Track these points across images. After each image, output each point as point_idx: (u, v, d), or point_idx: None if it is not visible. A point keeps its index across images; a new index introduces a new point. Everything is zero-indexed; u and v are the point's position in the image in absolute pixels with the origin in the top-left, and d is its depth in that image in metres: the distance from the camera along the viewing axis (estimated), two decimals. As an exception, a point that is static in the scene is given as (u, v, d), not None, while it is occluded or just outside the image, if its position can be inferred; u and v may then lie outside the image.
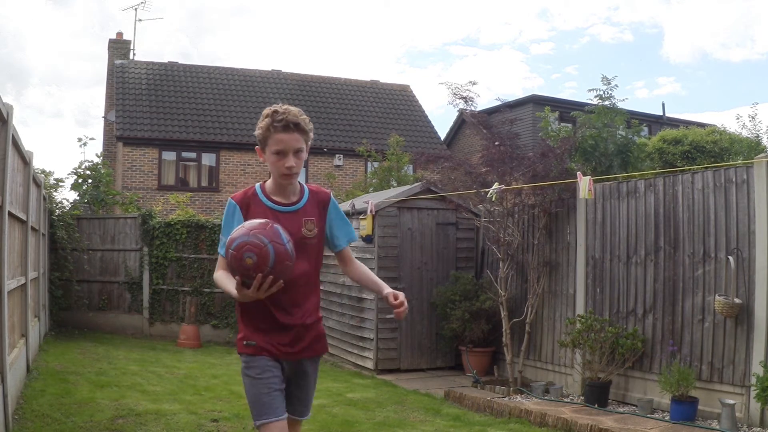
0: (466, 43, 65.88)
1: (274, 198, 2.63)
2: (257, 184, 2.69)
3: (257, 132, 2.58)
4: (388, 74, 72.33)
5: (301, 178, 16.75)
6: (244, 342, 2.64)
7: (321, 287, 10.34)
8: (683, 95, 56.20)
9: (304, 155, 2.60)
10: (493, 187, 7.30)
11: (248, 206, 2.61)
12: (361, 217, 8.78)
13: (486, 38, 65.73)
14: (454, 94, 8.21)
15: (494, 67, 63.44)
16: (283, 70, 21.88)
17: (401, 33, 66.02)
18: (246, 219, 2.54)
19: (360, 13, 65.35)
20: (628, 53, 60.31)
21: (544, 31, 61.97)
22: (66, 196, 22.42)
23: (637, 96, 54.49)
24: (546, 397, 6.75)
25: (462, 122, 22.80)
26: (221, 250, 2.51)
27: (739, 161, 8.79)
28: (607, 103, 10.74)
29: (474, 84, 8.29)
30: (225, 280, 2.52)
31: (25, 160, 6.50)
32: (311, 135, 2.61)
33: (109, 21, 53.52)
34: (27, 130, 57.13)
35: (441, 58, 68.90)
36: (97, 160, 14.23)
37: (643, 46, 59.86)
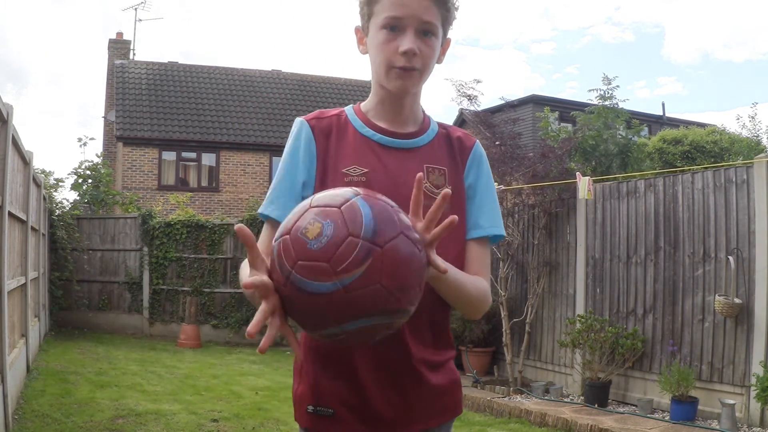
0: (467, 42, 65.82)
1: (378, 123, 1.52)
2: (348, 106, 1.62)
3: (361, 1, 1.48)
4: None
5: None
6: (310, 407, 1.41)
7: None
8: (684, 95, 56.25)
9: (437, 45, 1.46)
10: (493, 188, 7.30)
11: (329, 135, 1.50)
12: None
13: (487, 38, 65.62)
14: (459, 91, 8.22)
15: (495, 66, 63.42)
16: (283, 70, 21.88)
17: None
18: (324, 157, 1.47)
19: (360, 13, 65.36)
20: (629, 53, 60.28)
21: (547, 31, 61.86)
22: (66, 196, 22.46)
23: (638, 96, 54.53)
24: (546, 397, 6.75)
25: (462, 122, 22.79)
26: (264, 209, 1.46)
27: (739, 161, 8.79)
28: (608, 103, 10.74)
29: (478, 82, 8.30)
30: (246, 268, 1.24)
31: (25, 160, 6.50)
32: (454, 15, 1.49)
33: (109, 21, 53.55)
34: (27, 130, 57.18)
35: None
36: (97, 160, 14.24)
37: (645, 45, 59.83)
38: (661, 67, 57.86)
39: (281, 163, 1.50)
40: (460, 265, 1.44)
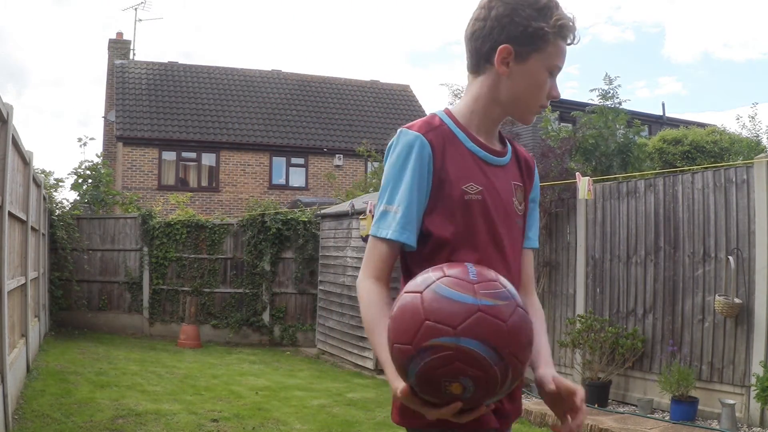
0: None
1: (479, 137, 1.58)
2: (440, 112, 1.59)
3: (524, 21, 1.48)
4: (390, 73, 72.00)
5: (301, 178, 16.50)
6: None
7: (320, 287, 10.40)
8: (684, 95, 56.08)
9: None
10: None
11: (443, 149, 1.51)
12: (360, 217, 8.78)
13: None
14: (455, 95, 8.24)
15: None
16: (283, 70, 21.89)
17: (403, 32, 65.78)
18: (439, 172, 1.49)
19: (362, 12, 65.35)
20: (630, 53, 60.05)
21: None
22: (66, 196, 22.48)
23: (639, 96, 54.32)
24: (546, 397, 6.74)
25: (462, 122, 22.80)
26: (398, 235, 1.47)
27: (739, 161, 8.79)
28: (609, 102, 10.73)
29: None
30: (377, 320, 1.41)
31: (25, 160, 6.50)
32: None
33: (110, 21, 53.55)
34: (27, 130, 57.13)
35: (443, 59, 68.43)
36: (97, 160, 14.23)
37: (645, 45, 59.59)
38: (661, 67, 57.67)
39: (406, 179, 1.48)
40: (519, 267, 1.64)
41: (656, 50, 59.08)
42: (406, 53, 69.30)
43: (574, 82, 59.85)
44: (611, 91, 10.69)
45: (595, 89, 10.85)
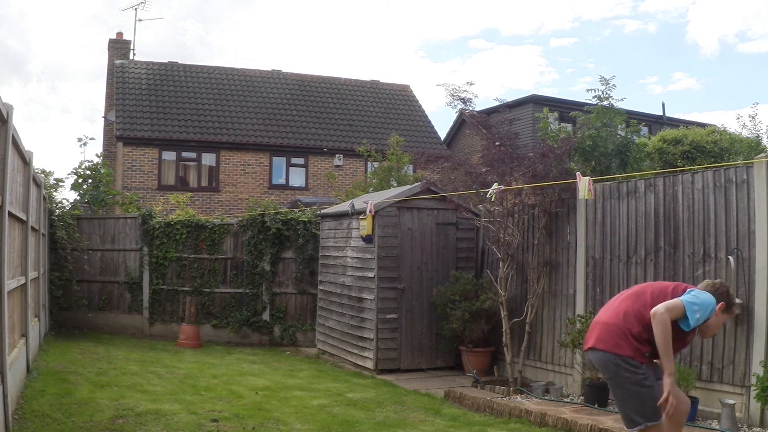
0: (485, 36, 64.75)
1: None
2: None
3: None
4: (393, 71, 71.55)
5: (301, 178, 16.52)
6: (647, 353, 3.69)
7: (320, 287, 10.41)
8: (696, 90, 55.25)
9: None
10: (492, 188, 7.30)
11: None
12: (360, 217, 8.78)
13: (507, 30, 64.39)
14: (452, 95, 8.25)
15: (513, 59, 62.34)
16: (283, 70, 21.89)
17: (416, 27, 65.35)
18: None
19: (361, 11, 65.32)
20: (647, 47, 58.76)
21: (567, 22, 60.42)
22: (66, 196, 22.43)
23: (650, 92, 53.44)
24: (546, 397, 6.75)
25: (462, 122, 22.82)
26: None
27: (739, 161, 8.78)
28: (605, 103, 10.76)
29: (471, 84, 8.36)
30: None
31: (25, 160, 6.49)
32: None
33: (111, 20, 53.52)
34: (31, 126, 57.12)
35: (458, 52, 67.73)
36: (97, 160, 14.23)
37: (665, 38, 58.41)
38: (678, 62, 56.34)
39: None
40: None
41: (676, 44, 57.64)
42: (410, 51, 69.14)
43: (588, 77, 58.68)
44: (606, 93, 10.75)
45: (591, 89, 10.91)
